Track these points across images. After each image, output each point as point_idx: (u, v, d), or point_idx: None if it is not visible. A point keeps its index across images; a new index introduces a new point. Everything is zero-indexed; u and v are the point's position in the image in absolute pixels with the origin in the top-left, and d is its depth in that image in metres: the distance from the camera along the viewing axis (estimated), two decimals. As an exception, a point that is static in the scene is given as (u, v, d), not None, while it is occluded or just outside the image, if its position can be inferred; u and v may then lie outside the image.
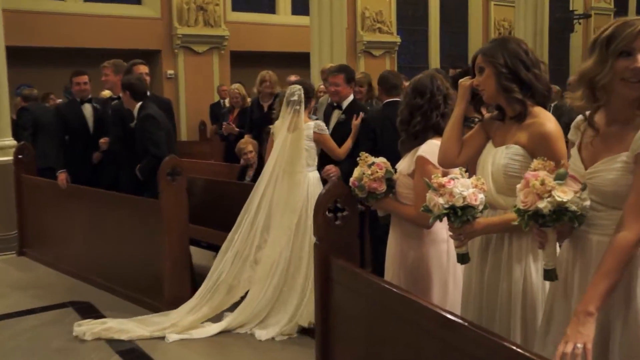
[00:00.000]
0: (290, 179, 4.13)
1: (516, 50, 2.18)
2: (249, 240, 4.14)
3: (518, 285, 2.16)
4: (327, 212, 2.79)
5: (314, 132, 4.19)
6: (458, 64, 9.29)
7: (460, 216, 2.08)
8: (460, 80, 2.38)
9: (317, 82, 9.48)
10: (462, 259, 2.22)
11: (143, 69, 5.22)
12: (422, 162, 2.54)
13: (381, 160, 2.71)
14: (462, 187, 2.08)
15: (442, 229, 2.59)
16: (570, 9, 15.32)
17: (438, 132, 2.63)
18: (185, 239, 4.50)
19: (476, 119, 3.53)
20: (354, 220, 2.85)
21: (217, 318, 4.14)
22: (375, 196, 2.66)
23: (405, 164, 2.66)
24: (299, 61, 11.03)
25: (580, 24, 15.98)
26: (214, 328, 4.01)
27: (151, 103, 4.87)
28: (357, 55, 13.68)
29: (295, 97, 4.13)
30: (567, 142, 2.12)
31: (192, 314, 4.08)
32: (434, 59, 15.57)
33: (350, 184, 2.70)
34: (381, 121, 4.22)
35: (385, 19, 14.19)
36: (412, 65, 15.50)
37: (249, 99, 6.98)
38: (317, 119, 5.50)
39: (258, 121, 6.15)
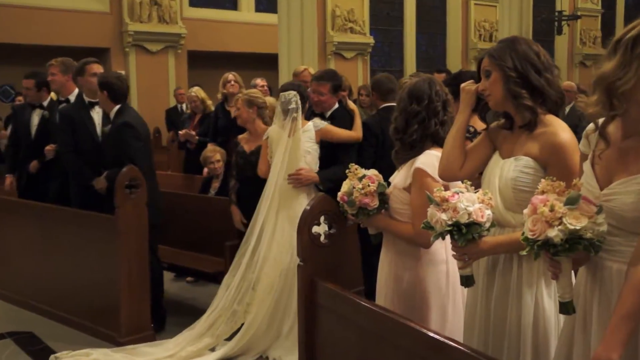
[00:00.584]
0: (291, 189, 4.16)
1: (526, 52, 2.19)
2: (254, 261, 4.15)
3: (529, 312, 2.16)
4: (312, 230, 2.77)
5: (316, 132, 4.22)
6: (438, 67, 9.40)
7: (465, 234, 2.07)
8: (463, 85, 2.39)
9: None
10: (467, 281, 2.21)
11: (97, 68, 5.12)
12: (420, 174, 2.53)
13: (373, 172, 2.71)
14: (468, 202, 2.07)
15: (440, 248, 2.59)
16: (558, 9, 15.67)
17: (437, 141, 2.63)
18: (145, 260, 4.41)
19: (471, 128, 3.58)
20: (342, 239, 2.84)
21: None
22: (366, 212, 2.64)
23: (400, 177, 2.65)
24: (265, 63, 11.04)
25: (568, 25, 16.38)
26: (211, 357, 3.99)
27: (130, 107, 4.80)
28: (326, 57, 13.74)
29: (293, 105, 4.16)
30: None
31: (193, 344, 4.06)
32: (410, 62, 15.77)
33: (339, 199, 2.68)
34: (382, 126, 4.27)
35: (357, 18, 14.32)
36: (385, 69, 15.65)
37: (210, 103, 6.92)
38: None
39: (224, 128, 6.12)
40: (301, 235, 2.76)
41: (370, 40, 14.57)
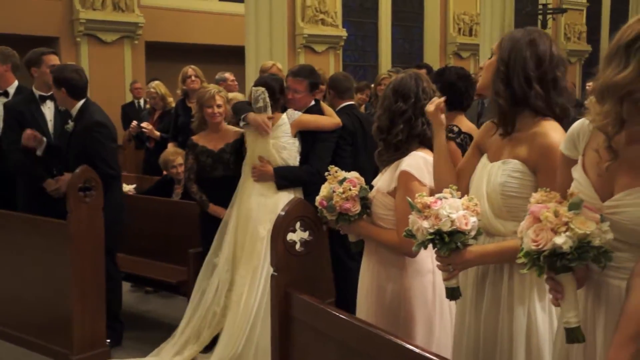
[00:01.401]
0: (264, 187, 4.17)
1: (530, 56, 2.15)
2: (229, 261, 4.18)
3: (521, 327, 2.15)
4: (286, 237, 2.74)
5: (291, 125, 4.20)
6: (417, 62, 9.45)
7: (447, 243, 2.07)
8: (426, 107, 2.41)
9: (252, 81, 9.45)
10: (452, 294, 2.20)
11: (55, 60, 5.01)
12: (406, 178, 2.52)
13: (354, 175, 2.69)
14: (451, 209, 2.07)
15: (427, 257, 2.59)
16: (542, 2, 15.83)
17: (424, 142, 2.64)
18: (100, 270, 4.32)
19: (455, 128, 3.59)
20: (320, 247, 2.81)
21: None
22: (347, 218, 2.63)
23: (384, 181, 2.64)
24: (230, 56, 10.95)
25: (554, 19, 16.59)
26: None
27: (94, 104, 4.71)
28: (296, 50, 13.71)
29: (260, 103, 4.15)
30: None
31: (179, 354, 4.13)
32: (385, 57, 15.83)
33: (318, 203, 2.66)
34: (355, 124, 4.36)
35: (329, 9, 14.31)
36: (358, 64, 15.74)
37: (170, 100, 6.84)
38: None
39: (185, 125, 6.00)
40: (275, 243, 2.73)
41: (343, 33, 14.58)
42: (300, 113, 4.29)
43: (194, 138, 4.54)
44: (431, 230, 2.07)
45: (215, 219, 4.34)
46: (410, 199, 2.18)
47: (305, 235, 2.79)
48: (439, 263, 2.16)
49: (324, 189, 2.66)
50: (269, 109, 4.14)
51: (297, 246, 2.76)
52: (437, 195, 2.15)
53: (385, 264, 2.66)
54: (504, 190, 2.15)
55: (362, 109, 6.23)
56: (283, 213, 2.77)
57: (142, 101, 10.29)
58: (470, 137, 3.67)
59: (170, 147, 6.23)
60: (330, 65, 14.16)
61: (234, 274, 4.15)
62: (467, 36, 16.51)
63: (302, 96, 4.34)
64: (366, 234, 2.69)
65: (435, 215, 2.07)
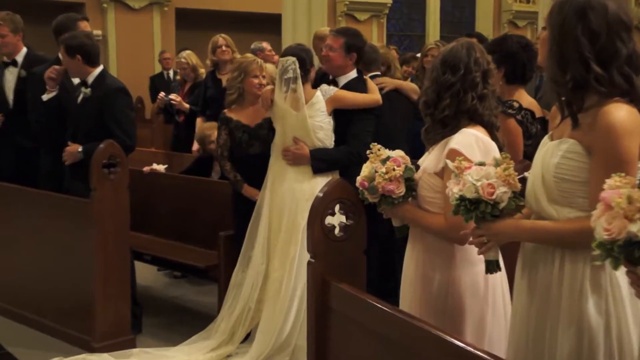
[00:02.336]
0: (298, 171, 4.14)
1: (578, 36, 2.02)
2: (264, 253, 4.19)
3: (569, 323, 2.07)
4: (325, 221, 2.72)
5: (326, 101, 4.17)
6: (468, 32, 9.28)
7: (472, 210, 2.12)
8: None
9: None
10: (489, 267, 2.27)
11: (87, 27, 5.10)
12: (455, 156, 2.44)
13: (398, 154, 2.65)
14: (478, 176, 2.10)
15: (479, 246, 2.52)
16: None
17: (474, 119, 2.57)
18: (126, 252, 4.38)
19: (515, 103, 3.49)
20: (361, 232, 2.78)
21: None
22: (390, 201, 2.58)
23: (431, 160, 2.59)
24: (265, 25, 10.95)
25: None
26: None
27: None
28: (336, 19, 13.62)
29: (290, 74, 4.09)
30: None
31: (214, 351, 4.19)
32: (433, 26, 15.64)
33: (359, 184, 2.62)
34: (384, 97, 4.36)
35: (372, -26, 14.20)
36: (403, 33, 15.57)
37: (202, 71, 6.85)
38: None
39: (214, 99, 6.06)
40: (312, 227, 2.71)
41: (388, 0, 14.42)
42: (335, 89, 4.23)
43: (227, 112, 4.50)
44: (456, 196, 2.14)
45: (249, 200, 4.32)
46: (450, 162, 2.24)
47: (345, 219, 2.76)
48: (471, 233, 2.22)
49: (366, 169, 2.61)
50: (299, 81, 4.10)
51: (337, 231, 2.74)
52: (477, 161, 2.21)
53: (431, 252, 2.61)
54: (557, 172, 2.08)
55: (409, 82, 6.13)
56: (321, 195, 2.74)
57: (171, 72, 10.36)
58: (532, 114, 3.59)
59: (200, 121, 6.27)
60: (373, 35, 14.04)
61: (268, 266, 4.14)
62: (525, 3, 16.16)
63: (336, 55, 4.34)
64: (411, 218, 2.64)
65: (463, 180, 2.14)
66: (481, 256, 2.48)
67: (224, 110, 4.55)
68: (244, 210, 4.37)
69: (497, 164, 2.16)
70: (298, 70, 4.09)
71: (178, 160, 6.41)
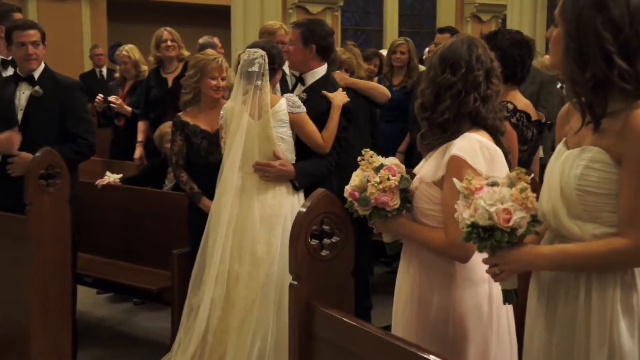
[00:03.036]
0: (265, 186, 4.03)
1: (598, 28, 2.01)
2: (224, 277, 4.01)
3: (601, 354, 2.06)
4: (309, 239, 2.67)
5: (289, 113, 4.05)
6: (425, 27, 9.37)
7: (485, 239, 2.08)
8: None
9: (239, 48, 9.36)
10: (507, 296, 2.25)
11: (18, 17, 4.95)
12: (457, 164, 2.46)
13: (392, 161, 2.63)
14: (491, 200, 2.07)
15: (482, 263, 2.51)
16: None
17: (477, 122, 2.57)
18: (67, 276, 4.25)
19: (509, 105, 3.52)
20: (348, 250, 2.72)
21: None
22: (384, 214, 2.57)
23: (429, 168, 2.58)
24: (212, 17, 10.88)
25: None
26: None
27: None
28: (287, 11, 13.60)
29: (256, 67, 3.94)
30: None
31: None
32: (390, 19, 15.78)
33: (348, 195, 2.60)
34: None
35: (326, -38, 14.26)
36: (359, 27, 15.64)
37: (145, 68, 6.75)
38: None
39: (158, 101, 6.06)
40: (295, 246, 2.65)
41: (343, -9, 14.52)
42: (302, 109, 4.11)
43: (182, 115, 4.42)
44: (467, 222, 2.09)
45: (207, 215, 4.23)
46: (457, 181, 2.19)
47: (332, 235, 2.70)
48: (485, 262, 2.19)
49: (356, 177, 2.59)
50: (267, 78, 4.00)
51: (322, 249, 2.69)
52: (488, 180, 2.16)
53: (429, 271, 2.59)
54: (580, 184, 2.07)
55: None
56: (304, 209, 2.68)
57: (105, 70, 10.17)
58: (528, 116, 3.62)
59: (143, 125, 6.18)
60: (327, 29, 14.07)
61: (231, 292, 3.99)
62: (489, -6, 16.42)
63: (295, 49, 4.35)
64: (406, 233, 2.63)
65: (474, 204, 2.09)
66: (485, 275, 2.48)
67: (178, 114, 4.48)
68: (201, 226, 4.26)
69: (511, 182, 2.12)
70: (266, 66, 3.97)
71: (118, 169, 6.27)
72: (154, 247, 4.89)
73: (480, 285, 2.55)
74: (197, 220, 4.34)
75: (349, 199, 2.62)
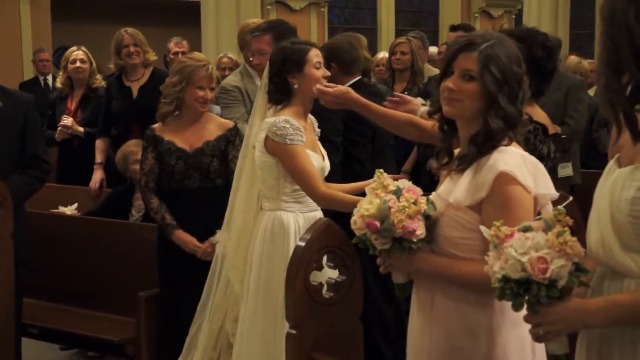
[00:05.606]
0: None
1: (630, 23, 2.02)
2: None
3: None
4: (308, 278, 2.72)
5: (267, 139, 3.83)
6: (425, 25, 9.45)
7: (519, 295, 2.07)
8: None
9: (210, 49, 9.40)
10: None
11: None
12: (505, 181, 2.47)
13: (407, 184, 2.62)
14: (522, 249, 2.04)
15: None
16: None
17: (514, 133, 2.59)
18: (10, 326, 4.25)
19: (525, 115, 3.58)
20: (356, 291, 2.78)
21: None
22: (408, 246, 2.53)
23: (462, 189, 2.56)
24: (180, 15, 10.91)
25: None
26: None
27: None
28: (265, 7, 13.68)
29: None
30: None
31: None
32: (386, 18, 15.92)
33: (366, 225, 2.54)
34: None
35: (310, -48, 14.38)
36: (350, 26, 15.70)
37: (99, 77, 6.72)
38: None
39: (122, 113, 6.07)
40: (293, 286, 2.69)
41: (330, -16, 14.64)
42: (299, 135, 3.98)
43: (157, 129, 4.38)
44: (498, 276, 2.08)
45: (181, 250, 4.26)
46: (485, 229, 2.17)
47: (336, 274, 2.77)
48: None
49: (370, 205, 2.54)
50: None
51: (324, 290, 2.74)
52: (521, 225, 2.13)
53: (461, 312, 2.58)
54: (634, 209, 2.05)
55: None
56: (303, 243, 2.72)
57: (50, 78, 10.16)
58: (544, 129, 3.63)
59: (101, 144, 6.15)
60: (311, 28, 14.18)
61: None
62: (501, -13, 16.59)
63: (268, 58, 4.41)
64: (432, 270, 2.60)
65: (504, 254, 2.08)
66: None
67: (152, 126, 4.45)
68: (173, 263, 4.32)
69: (548, 226, 2.10)
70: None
71: (66, 196, 6.26)
72: (116, 289, 4.88)
73: (523, 324, 2.50)
74: (168, 257, 4.36)
75: (362, 232, 2.56)
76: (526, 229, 2.11)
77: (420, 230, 2.53)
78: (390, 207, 2.52)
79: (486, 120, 2.54)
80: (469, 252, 2.55)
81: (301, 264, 2.69)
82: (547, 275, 2.02)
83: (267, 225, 3.84)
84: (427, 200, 2.57)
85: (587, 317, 2.10)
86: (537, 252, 2.04)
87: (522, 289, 2.05)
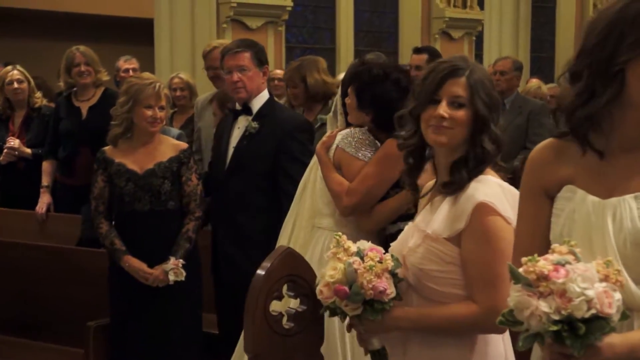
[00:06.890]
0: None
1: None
2: None
3: None
4: (268, 308, 2.72)
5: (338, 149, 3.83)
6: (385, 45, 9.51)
7: (584, 336, 1.87)
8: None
9: (164, 68, 9.37)
10: None
11: None
12: (485, 212, 2.48)
13: (368, 245, 2.59)
14: (584, 282, 1.87)
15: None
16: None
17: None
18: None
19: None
20: (318, 321, 2.78)
21: None
22: (380, 307, 2.50)
23: (440, 220, 2.57)
24: (133, 32, 10.86)
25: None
26: None
27: None
28: (221, 27, 13.65)
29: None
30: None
31: None
32: (345, 37, 15.95)
33: (333, 293, 2.51)
34: None
35: (267, -30, 14.41)
36: (308, 45, 15.76)
37: (39, 95, 6.66)
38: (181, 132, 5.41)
39: (70, 134, 6.04)
40: (252, 316, 2.69)
41: (287, 2, 14.64)
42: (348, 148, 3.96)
43: (108, 151, 4.38)
44: (556, 318, 1.86)
45: (130, 277, 4.23)
46: (512, 266, 1.95)
47: (296, 303, 2.78)
48: None
49: (333, 270, 2.51)
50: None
51: (284, 321, 2.75)
52: (553, 258, 1.91)
53: (440, 355, 2.60)
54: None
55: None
56: (263, 272, 2.72)
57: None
58: None
59: (48, 166, 6.10)
60: (268, 47, 14.14)
61: None
62: (460, 8, 16.74)
63: (253, 73, 4.49)
64: (409, 325, 2.59)
65: (561, 291, 1.87)
66: (502, 349, 2.59)
67: (103, 149, 4.45)
68: (124, 291, 4.29)
69: (578, 257, 1.94)
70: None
71: (12, 221, 6.19)
72: (63, 318, 4.83)
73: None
74: (118, 284, 4.34)
75: (331, 301, 2.53)
76: (566, 262, 1.92)
77: (391, 289, 2.51)
78: (356, 270, 2.49)
79: (475, 144, 2.55)
80: (448, 286, 2.55)
81: (261, 293, 2.69)
82: (612, 310, 1.88)
83: (325, 246, 3.67)
84: (392, 257, 2.55)
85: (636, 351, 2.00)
86: (596, 286, 1.88)
87: (583, 330, 1.87)
